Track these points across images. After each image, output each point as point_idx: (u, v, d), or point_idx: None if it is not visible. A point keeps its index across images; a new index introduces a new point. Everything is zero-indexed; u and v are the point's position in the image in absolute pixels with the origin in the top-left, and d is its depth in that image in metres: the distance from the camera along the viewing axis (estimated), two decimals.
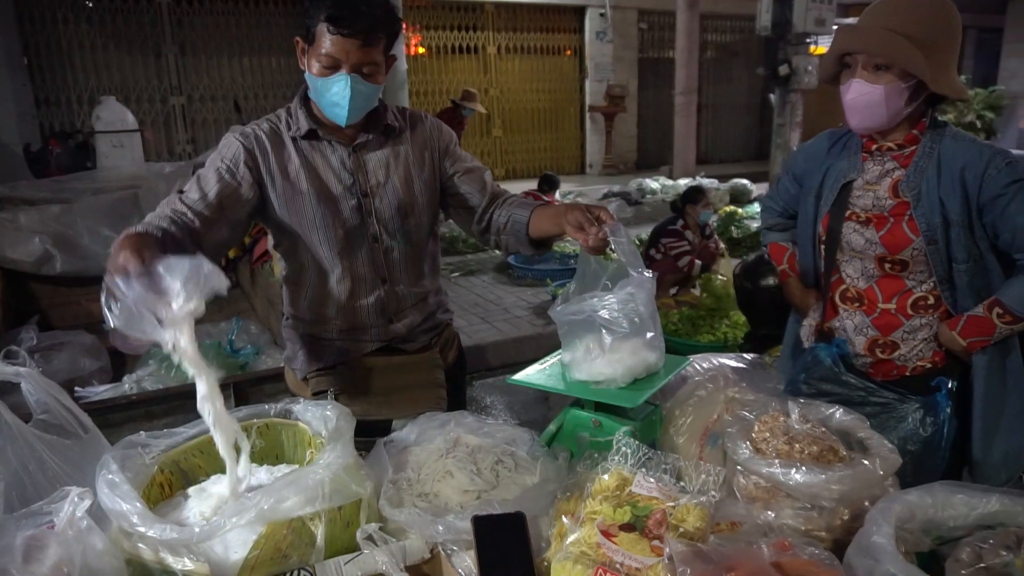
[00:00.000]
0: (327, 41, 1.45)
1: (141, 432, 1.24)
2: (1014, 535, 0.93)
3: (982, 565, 0.89)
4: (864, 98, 1.50)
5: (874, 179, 1.61)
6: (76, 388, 2.98)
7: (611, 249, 1.42)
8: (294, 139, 1.59)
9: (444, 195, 1.74)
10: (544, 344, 4.80)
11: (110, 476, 1.08)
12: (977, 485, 1.04)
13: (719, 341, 4.33)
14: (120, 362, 3.52)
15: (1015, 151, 1.58)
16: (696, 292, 5.22)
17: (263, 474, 1.24)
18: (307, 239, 1.61)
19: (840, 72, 1.57)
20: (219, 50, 9.78)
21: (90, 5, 8.87)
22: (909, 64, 1.45)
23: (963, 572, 0.90)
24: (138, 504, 1.04)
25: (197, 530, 1.00)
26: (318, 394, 1.67)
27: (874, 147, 1.60)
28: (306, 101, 1.61)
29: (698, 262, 5.11)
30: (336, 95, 1.49)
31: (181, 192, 1.53)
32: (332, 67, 1.48)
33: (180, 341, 1.12)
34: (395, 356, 1.72)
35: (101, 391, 2.87)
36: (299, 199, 1.58)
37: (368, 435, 1.38)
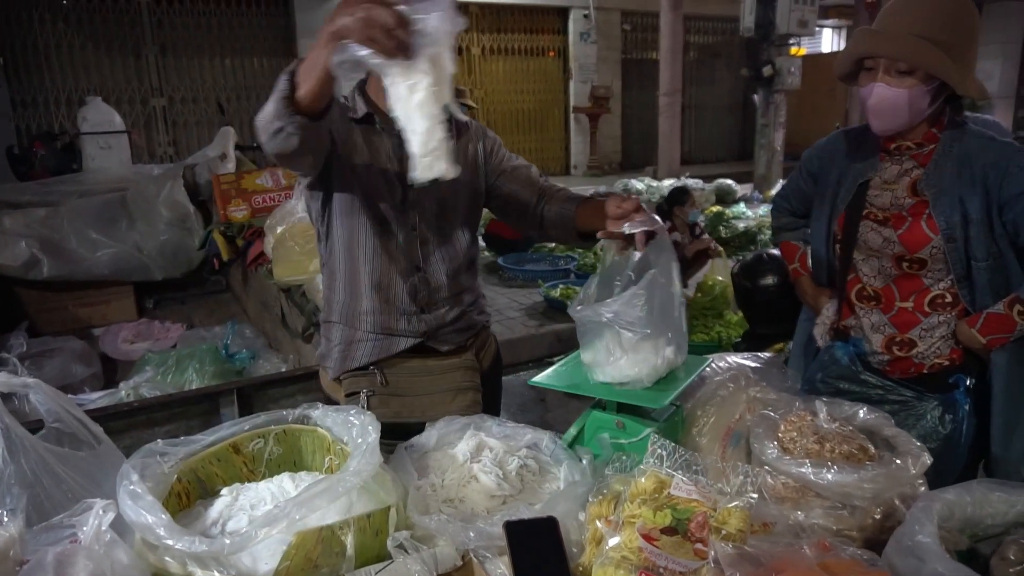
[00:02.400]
0: None
1: (158, 440, 1.21)
2: None
3: None
4: (888, 102, 1.50)
5: (892, 178, 1.61)
6: (68, 396, 2.92)
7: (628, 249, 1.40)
8: (353, 120, 1.61)
9: (490, 196, 1.75)
10: (538, 345, 4.78)
11: (132, 487, 1.05)
12: (1015, 483, 1.04)
13: (713, 341, 4.35)
14: (111, 368, 3.47)
15: None
16: (688, 292, 5.24)
17: (287, 482, 1.21)
18: (349, 216, 1.62)
19: (857, 71, 1.57)
20: (201, 51, 9.68)
21: (66, 4, 8.72)
22: (938, 70, 1.44)
23: (1012, 570, 0.90)
24: (163, 516, 1.01)
25: (228, 542, 0.97)
26: (351, 395, 1.65)
27: (892, 146, 1.60)
28: (362, 90, 1.63)
29: None
30: None
31: None
32: None
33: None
34: (429, 358, 1.70)
35: (95, 398, 2.81)
36: (352, 173, 1.59)
37: (400, 438, 1.37)
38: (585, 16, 12.33)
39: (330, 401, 1.75)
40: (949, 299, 1.61)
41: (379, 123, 1.61)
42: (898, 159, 1.61)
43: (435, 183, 1.59)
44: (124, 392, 2.67)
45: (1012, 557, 0.91)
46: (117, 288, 4.21)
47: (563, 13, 12.43)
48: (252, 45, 10.03)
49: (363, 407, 1.61)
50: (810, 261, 1.84)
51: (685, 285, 5.37)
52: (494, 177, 1.74)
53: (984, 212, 1.50)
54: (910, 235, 1.57)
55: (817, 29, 12.62)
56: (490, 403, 1.79)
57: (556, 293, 5.26)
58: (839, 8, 14.16)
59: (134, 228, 4.16)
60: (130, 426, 2.03)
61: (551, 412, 3.69)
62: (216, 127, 5.53)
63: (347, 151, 1.58)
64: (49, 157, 5.24)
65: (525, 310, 5.35)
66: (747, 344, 3.39)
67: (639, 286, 1.33)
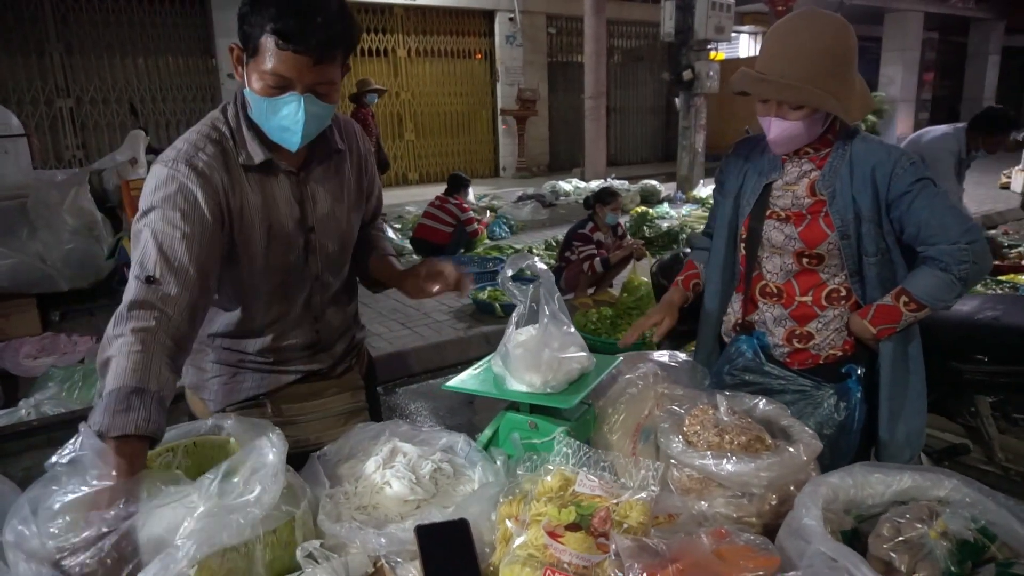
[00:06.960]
0: (274, 57, 1.24)
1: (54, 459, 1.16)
2: (927, 508, 1.00)
3: (901, 538, 0.96)
4: (787, 133, 1.60)
5: (793, 180, 1.71)
6: None
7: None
8: (245, 167, 1.38)
9: None
10: (467, 348, 4.79)
11: (21, 527, 1.01)
12: (892, 464, 1.12)
13: (638, 339, 4.44)
14: (12, 385, 3.27)
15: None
16: (614, 291, 5.35)
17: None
18: (245, 277, 1.44)
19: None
20: (111, 49, 9.24)
21: None
22: (822, 105, 1.55)
23: (885, 546, 0.96)
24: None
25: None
26: None
27: (792, 151, 1.70)
28: (254, 130, 1.39)
29: (598, 264, 5.19)
30: (286, 119, 1.30)
31: (150, 280, 1.22)
32: (281, 87, 1.28)
33: None
34: (317, 382, 1.62)
35: None
36: (250, 236, 1.40)
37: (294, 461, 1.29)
38: (511, 19, 12.42)
39: None
40: (843, 293, 1.72)
41: (280, 166, 1.42)
42: (798, 162, 1.71)
43: (336, 224, 1.52)
44: (24, 411, 2.52)
45: (886, 534, 0.97)
46: (18, 301, 3.98)
47: (489, 16, 12.48)
48: (167, 44, 9.65)
49: None
50: (700, 282, 1.94)
51: (611, 285, 5.49)
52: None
53: (874, 210, 1.61)
54: (809, 232, 1.67)
55: (734, 35, 13.09)
56: (372, 410, 1.73)
57: (484, 295, 5.28)
58: (754, 15, 14.75)
59: (36, 237, 3.94)
60: (29, 447, 1.92)
61: (478, 415, 3.71)
62: (129, 129, 5.28)
63: (240, 214, 1.37)
64: None
65: (453, 313, 5.35)
66: (669, 341, 3.50)
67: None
